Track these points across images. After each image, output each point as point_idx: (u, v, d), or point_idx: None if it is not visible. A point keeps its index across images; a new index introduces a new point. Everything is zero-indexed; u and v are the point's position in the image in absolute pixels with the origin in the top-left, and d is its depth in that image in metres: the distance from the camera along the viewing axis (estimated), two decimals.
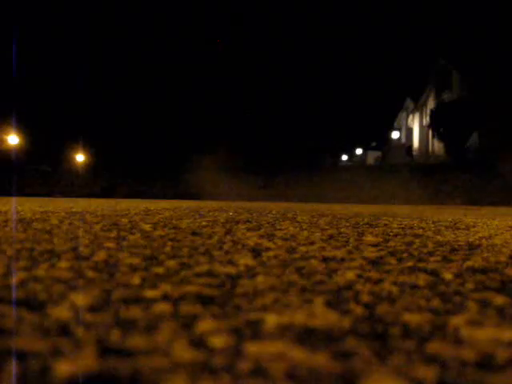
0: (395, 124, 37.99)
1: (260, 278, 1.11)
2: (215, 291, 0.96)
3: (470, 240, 2.23)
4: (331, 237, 2.22)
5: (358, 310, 0.84)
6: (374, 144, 39.81)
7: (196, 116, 29.88)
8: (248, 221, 3.33)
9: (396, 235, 2.39)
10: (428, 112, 29.17)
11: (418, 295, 0.97)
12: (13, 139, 26.07)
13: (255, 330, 0.71)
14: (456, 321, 0.78)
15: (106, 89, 32.63)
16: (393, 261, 1.45)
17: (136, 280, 1.06)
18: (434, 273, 1.24)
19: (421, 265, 1.38)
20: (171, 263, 1.31)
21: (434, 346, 0.66)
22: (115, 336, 0.67)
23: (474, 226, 3.32)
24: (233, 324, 0.74)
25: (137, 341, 0.65)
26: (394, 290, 1.02)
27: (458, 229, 3.03)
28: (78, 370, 0.55)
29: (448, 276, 1.20)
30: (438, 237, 2.36)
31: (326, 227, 2.87)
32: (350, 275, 1.17)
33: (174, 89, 31.30)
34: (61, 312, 0.78)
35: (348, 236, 2.27)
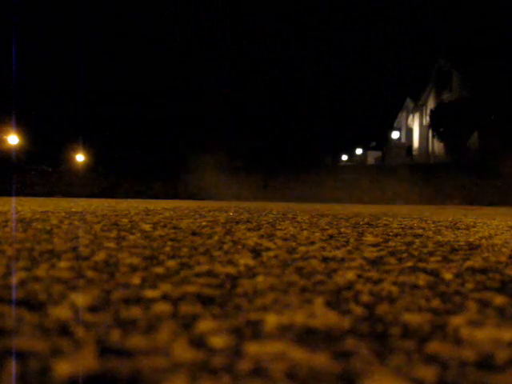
0: (395, 124, 37.96)
1: (260, 278, 1.11)
2: (215, 291, 0.96)
3: (470, 240, 2.23)
4: (331, 237, 2.22)
5: (358, 310, 0.84)
6: (373, 144, 39.78)
7: (195, 116, 29.95)
8: (248, 221, 3.33)
9: (396, 235, 2.39)
10: (428, 112, 29.13)
11: (418, 295, 0.97)
12: (13, 139, 26.07)
13: (255, 330, 0.71)
14: (456, 321, 0.78)
15: (106, 88, 32.67)
16: (393, 261, 1.45)
17: (136, 280, 1.06)
18: (433, 273, 1.24)
19: (421, 265, 1.38)
20: (171, 263, 1.31)
21: (433, 346, 0.66)
22: (115, 336, 0.67)
23: (473, 226, 3.32)
24: (233, 324, 0.74)
25: (137, 341, 0.65)
26: (394, 290, 1.02)
27: (458, 229, 3.03)
28: (78, 370, 0.55)
29: (448, 276, 1.20)
30: (438, 237, 2.36)
31: (326, 227, 2.87)
32: (350, 275, 1.17)
33: (174, 89, 31.35)
34: (61, 312, 0.78)
35: (348, 236, 2.27)
